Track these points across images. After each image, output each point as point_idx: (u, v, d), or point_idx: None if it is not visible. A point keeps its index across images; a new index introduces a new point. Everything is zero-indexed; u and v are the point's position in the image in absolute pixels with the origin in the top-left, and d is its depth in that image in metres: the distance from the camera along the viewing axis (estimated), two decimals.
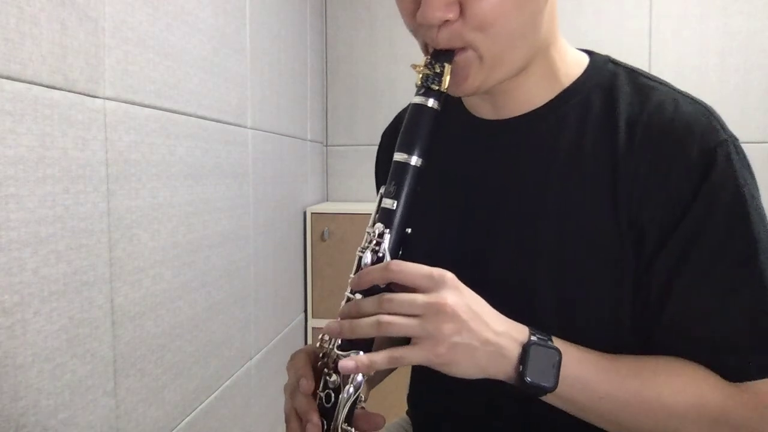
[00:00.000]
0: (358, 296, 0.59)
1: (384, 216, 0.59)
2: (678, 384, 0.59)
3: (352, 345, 0.58)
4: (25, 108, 0.76)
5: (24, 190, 0.76)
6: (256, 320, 1.61)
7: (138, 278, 1.03)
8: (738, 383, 0.58)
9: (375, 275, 0.57)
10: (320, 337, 0.62)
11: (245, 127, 1.52)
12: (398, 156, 0.60)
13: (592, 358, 0.59)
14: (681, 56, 2.14)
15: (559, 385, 0.56)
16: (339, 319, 0.58)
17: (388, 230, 0.58)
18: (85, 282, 0.89)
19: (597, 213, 0.62)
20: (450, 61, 0.60)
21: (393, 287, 0.58)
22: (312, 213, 2.07)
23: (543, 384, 0.56)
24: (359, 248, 0.60)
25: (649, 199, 0.60)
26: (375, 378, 0.77)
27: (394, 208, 0.59)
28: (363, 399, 0.61)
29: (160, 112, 1.10)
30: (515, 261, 0.67)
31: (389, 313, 0.55)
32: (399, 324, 0.54)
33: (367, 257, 0.59)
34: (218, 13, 1.34)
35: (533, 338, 0.57)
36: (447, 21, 0.58)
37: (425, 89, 0.60)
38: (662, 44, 2.16)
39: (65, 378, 0.85)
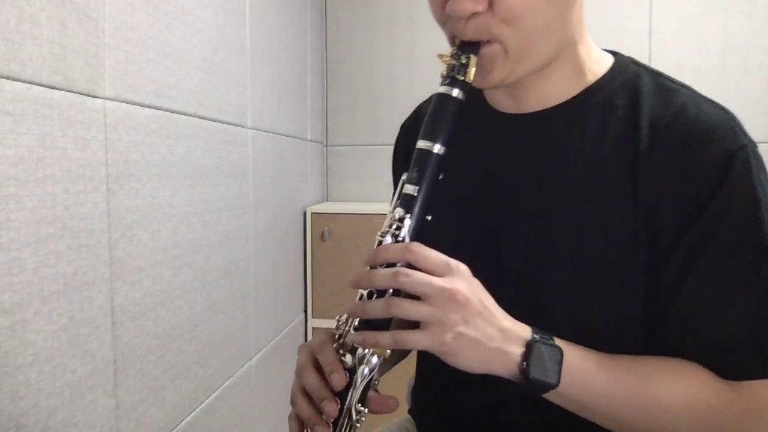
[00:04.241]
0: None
1: (405, 201, 0.60)
2: (676, 384, 0.59)
3: (368, 325, 0.58)
4: (25, 108, 0.76)
5: (24, 190, 0.76)
6: (256, 320, 1.61)
7: (138, 278, 1.03)
8: (736, 383, 0.59)
9: (394, 253, 0.57)
10: (337, 318, 0.62)
11: (245, 127, 1.52)
12: (422, 143, 0.60)
13: (592, 357, 0.60)
14: (681, 56, 2.13)
15: (561, 382, 0.57)
16: (352, 285, 0.59)
17: (408, 215, 0.59)
18: (85, 282, 0.89)
19: (614, 211, 0.62)
20: (476, 53, 0.60)
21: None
22: (312, 213, 2.07)
23: (547, 380, 0.56)
24: (379, 232, 0.60)
25: (667, 199, 0.60)
26: (385, 364, 0.78)
27: (416, 194, 0.59)
28: (377, 382, 0.61)
29: (160, 112, 1.10)
30: (528, 254, 0.67)
31: (402, 292, 0.55)
32: (408, 307, 0.54)
33: (388, 241, 0.59)
34: (218, 13, 1.34)
35: (536, 336, 0.57)
36: (476, 13, 0.58)
37: (450, 79, 0.60)
38: (662, 44, 2.15)
39: (65, 378, 0.85)
